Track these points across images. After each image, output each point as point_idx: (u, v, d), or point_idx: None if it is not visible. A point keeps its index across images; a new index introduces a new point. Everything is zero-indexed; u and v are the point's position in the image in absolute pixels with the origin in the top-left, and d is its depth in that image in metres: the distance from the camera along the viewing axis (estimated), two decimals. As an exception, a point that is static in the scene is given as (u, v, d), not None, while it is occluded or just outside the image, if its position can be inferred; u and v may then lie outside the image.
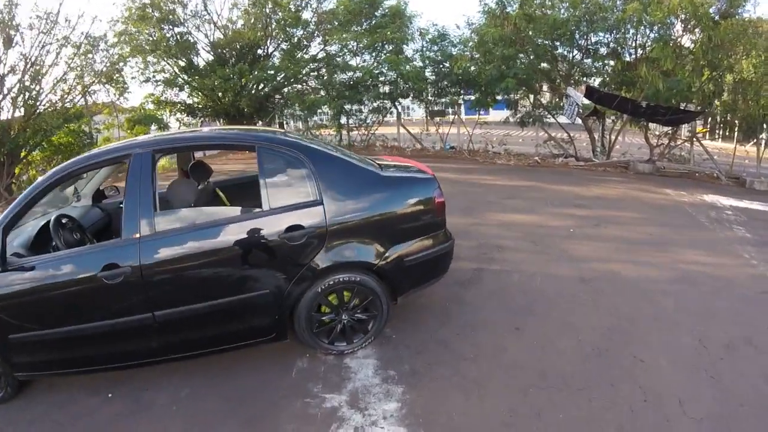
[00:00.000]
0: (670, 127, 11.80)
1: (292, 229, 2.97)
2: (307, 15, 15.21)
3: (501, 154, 13.21)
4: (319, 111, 15.05)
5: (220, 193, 4.41)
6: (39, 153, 11.97)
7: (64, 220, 3.59)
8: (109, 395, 3.13)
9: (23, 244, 3.29)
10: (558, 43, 11.98)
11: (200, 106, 16.24)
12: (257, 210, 3.04)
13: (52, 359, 3.08)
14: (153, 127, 15.30)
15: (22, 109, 10.54)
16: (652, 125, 12.04)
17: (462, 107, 14.82)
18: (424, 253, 3.35)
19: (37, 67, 10.62)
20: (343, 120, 15.15)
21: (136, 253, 2.84)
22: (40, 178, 3.16)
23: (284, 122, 17.72)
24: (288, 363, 3.28)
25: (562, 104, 12.10)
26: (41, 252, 3.17)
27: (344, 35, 14.02)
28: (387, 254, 3.20)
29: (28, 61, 10.45)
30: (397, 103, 15.05)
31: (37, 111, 10.75)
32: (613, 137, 12.64)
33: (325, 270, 3.08)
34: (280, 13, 14.52)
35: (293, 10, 14.62)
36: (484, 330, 3.60)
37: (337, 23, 14.28)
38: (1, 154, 10.14)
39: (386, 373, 3.13)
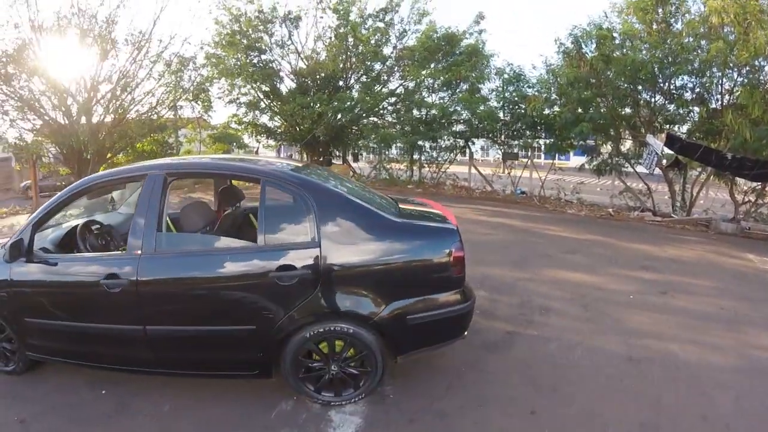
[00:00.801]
0: (758, 183, 10.51)
1: (283, 268, 2.81)
2: (387, 50, 15.51)
3: (572, 203, 12.46)
4: (392, 144, 15.18)
5: (252, 219, 4.38)
6: (123, 156, 12.94)
7: (94, 226, 3.84)
8: (103, 392, 3.32)
9: (54, 240, 3.56)
10: (640, 87, 11.16)
11: (280, 130, 16.90)
12: (253, 245, 2.94)
13: (59, 348, 3.31)
14: (233, 146, 16.10)
15: (112, 116, 11.44)
16: (740, 179, 10.80)
17: (542, 150, 14.29)
18: (432, 313, 3.01)
19: (128, 79, 11.53)
20: (416, 156, 15.15)
21: (135, 269, 2.91)
22: (68, 187, 3.41)
23: (359, 153, 18.06)
24: (273, 402, 3.14)
25: (641, 152, 11.22)
26: (67, 251, 3.44)
27: (422, 72, 14.09)
28: (387, 309, 2.91)
29: (121, 73, 11.38)
30: (470, 143, 14.80)
31: (126, 119, 11.66)
32: (695, 191, 11.48)
33: (315, 316, 2.88)
34: (360, 47, 14.85)
35: (373, 44, 14.92)
36: (493, 407, 3.16)
37: (416, 59, 14.40)
38: (87, 152, 11.06)
39: (366, 437, 2.83)
